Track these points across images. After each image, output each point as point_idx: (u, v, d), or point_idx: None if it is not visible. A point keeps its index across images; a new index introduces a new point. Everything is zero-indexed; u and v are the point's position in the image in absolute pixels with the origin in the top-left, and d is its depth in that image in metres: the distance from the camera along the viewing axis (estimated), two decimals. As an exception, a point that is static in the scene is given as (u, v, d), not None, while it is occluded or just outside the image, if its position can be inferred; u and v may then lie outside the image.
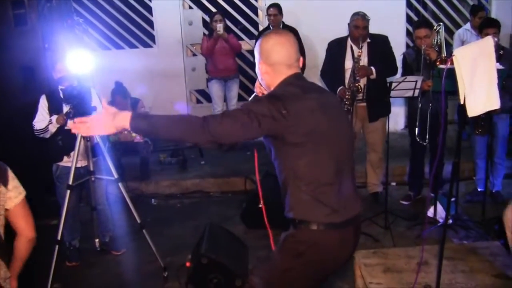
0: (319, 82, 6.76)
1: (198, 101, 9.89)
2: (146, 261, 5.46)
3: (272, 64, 2.92)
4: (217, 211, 6.88)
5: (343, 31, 6.47)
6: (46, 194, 6.49)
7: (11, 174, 3.09)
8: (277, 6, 8.26)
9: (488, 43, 3.48)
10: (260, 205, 3.51)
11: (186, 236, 6.10)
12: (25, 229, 3.22)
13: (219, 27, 8.17)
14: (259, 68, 3.00)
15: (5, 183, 3.00)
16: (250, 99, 3.27)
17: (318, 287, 3.21)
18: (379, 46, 6.31)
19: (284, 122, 2.71)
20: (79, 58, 4.82)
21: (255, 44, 3.05)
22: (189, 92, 9.69)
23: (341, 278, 4.92)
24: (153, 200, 7.51)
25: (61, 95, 5.25)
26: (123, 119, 2.68)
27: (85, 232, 5.81)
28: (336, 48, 6.41)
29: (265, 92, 3.14)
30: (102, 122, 2.72)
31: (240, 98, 9.25)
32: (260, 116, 2.68)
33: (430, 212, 5.96)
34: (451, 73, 3.47)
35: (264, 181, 6.16)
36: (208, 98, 9.42)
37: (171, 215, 6.97)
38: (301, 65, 3.04)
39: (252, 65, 9.34)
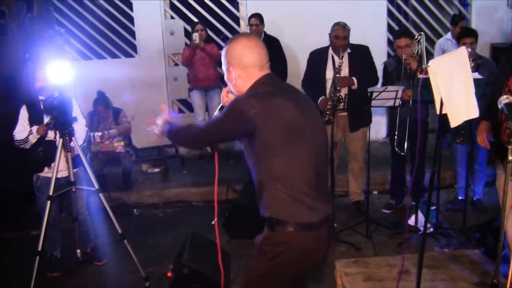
0: (301, 92, 6.77)
1: (180, 111, 9.86)
2: (128, 271, 5.45)
3: (244, 67, 2.95)
4: (199, 221, 6.84)
5: (325, 41, 6.50)
6: (27, 205, 6.46)
7: None
8: (258, 16, 8.28)
9: (462, 53, 3.52)
10: (213, 222, 3.54)
11: (168, 246, 6.09)
12: None
13: (195, 36, 8.18)
14: (230, 74, 3.02)
15: None
16: (216, 111, 3.33)
17: None
18: (360, 56, 6.35)
19: (254, 122, 2.75)
20: (59, 69, 4.81)
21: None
22: (171, 102, 9.66)
23: (322, 287, 4.93)
24: (135, 210, 7.48)
25: (42, 106, 5.23)
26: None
27: (67, 243, 5.77)
28: (317, 58, 6.44)
29: None
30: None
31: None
32: (228, 134, 3.02)
33: (412, 221, 5.99)
34: (430, 82, 3.52)
35: (247, 189, 6.20)
36: (190, 108, 9.41)
37: (153, 225, 6.95)
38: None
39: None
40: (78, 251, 5.71)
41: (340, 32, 6.16)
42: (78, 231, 5.66)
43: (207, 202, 7.53)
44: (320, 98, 6.21)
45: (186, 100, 9.65)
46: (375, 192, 7.41)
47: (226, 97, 3.23)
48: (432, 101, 3.63)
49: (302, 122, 2.87)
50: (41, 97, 5.25)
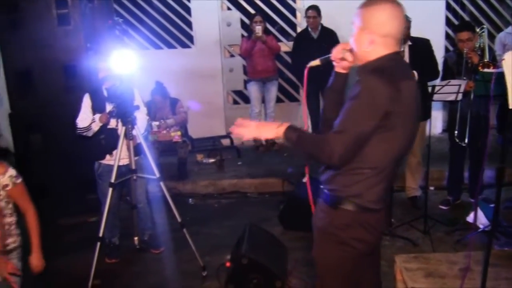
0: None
1: (235, 102, 9.91)
2: (185, 260, 5.50)
3: (384, 36, 2.73)
4: (254, 212, 6.89)
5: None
6: (86, 192, 6.56)
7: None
8: (315, 8, 8.25)
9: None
10: (305, 180, 3.43)
11: (223, 236, 6.13)
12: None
13: (258, 29, 8.22)
14: (361, 37, 2.80)
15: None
16: (315, 61, 3.10)
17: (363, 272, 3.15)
18: (421, 49, 6.23)
19: (395, 106, 2.59)
20: (123, 58, 4.87)
21: (360, 13, 2.83)
22: (226, 93, 9.71)
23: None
24: (190, 199, 7.56)
25: (105, 94, 5.32)
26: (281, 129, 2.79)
27: (125, 230, 5.87)
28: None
29: (349, 59, 2.95)
30: (266, 126, 2.90)
31: (279, 100, 9.29)
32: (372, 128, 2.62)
33: (470, 218, 5.89)
34: (497, 77, 3.43)
35: (303, 183, 6.17)
36: (245, 100, 9.46)
37: (208, 215, 7.00)
38: None
39: (290, 67, 9.33)
40: (136, 238, 5.77)
41: (402, 22, 6.08)
42: (137, 218, 5.74)
43: (262, 194, 7.58)
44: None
45: (241, 92, 9.68)
46: (432, 188, 7.29)
47: (340, 52, 2.99)
48: (494, 97, 3.54)
49: (413, 109, 2.73)
50: (104, 86, 5.34)
